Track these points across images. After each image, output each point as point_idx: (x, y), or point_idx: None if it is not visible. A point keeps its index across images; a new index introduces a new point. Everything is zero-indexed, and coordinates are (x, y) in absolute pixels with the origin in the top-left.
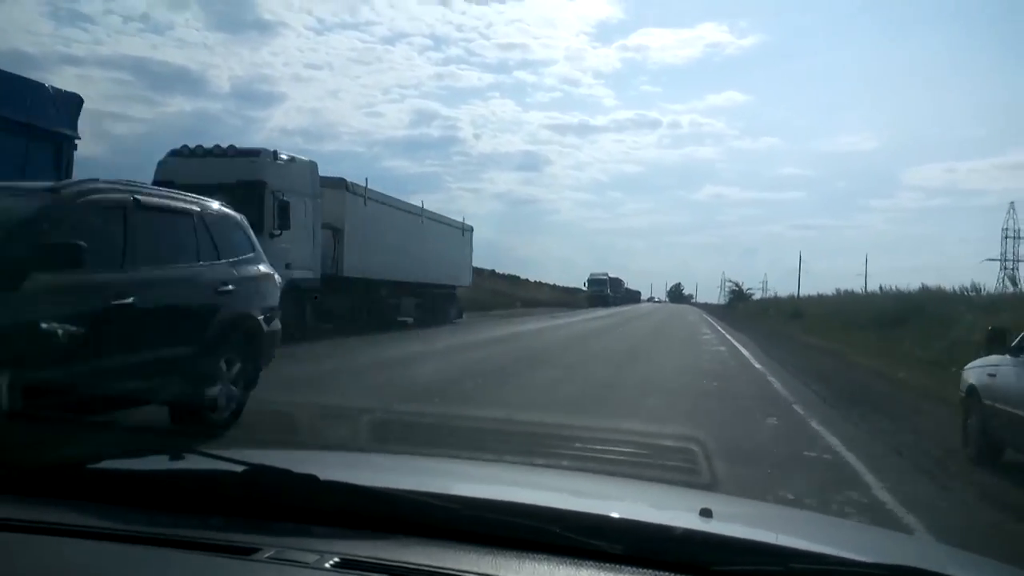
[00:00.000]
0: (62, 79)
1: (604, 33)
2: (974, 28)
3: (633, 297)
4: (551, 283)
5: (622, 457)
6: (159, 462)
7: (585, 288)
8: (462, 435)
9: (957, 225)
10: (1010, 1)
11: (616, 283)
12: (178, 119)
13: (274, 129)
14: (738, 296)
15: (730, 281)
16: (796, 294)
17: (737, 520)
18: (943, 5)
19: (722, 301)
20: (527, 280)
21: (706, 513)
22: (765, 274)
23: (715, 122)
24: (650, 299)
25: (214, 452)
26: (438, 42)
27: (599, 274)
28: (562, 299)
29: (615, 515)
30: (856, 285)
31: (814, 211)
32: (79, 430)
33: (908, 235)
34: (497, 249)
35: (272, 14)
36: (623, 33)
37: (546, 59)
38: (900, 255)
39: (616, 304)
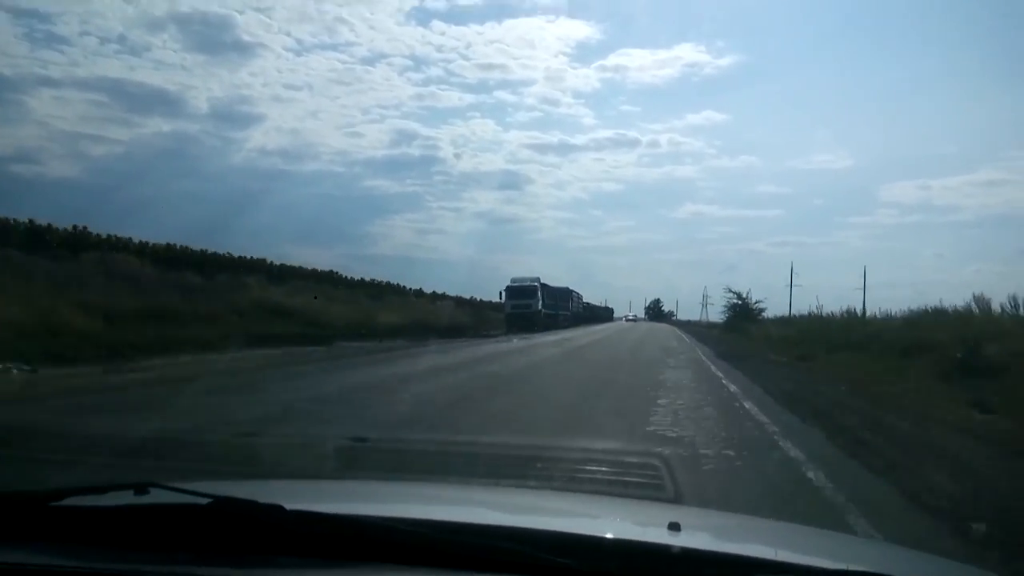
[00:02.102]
0: (39, 101)
1: (583, 54)
2: (946, 49)
3: (600, 315)
4: (468, 296)
5: None
6: (123, 497)
7: (502, 301)
8: None
9: (933, 240)
10: (980, 24)
11: (559, 294)
12: (156, 140)
13: (253, 149)
14: (742, 312)
15: (730, 292)
16: (825, 313)
17: (705, 532)
18: (915, 27)
19: (707, 318)
20: (420, 291)
21: (674, 527)
22: (749, 290)
23: (694, 141)
24: (626, 317)
25: (179, 486)
26: (418, 63)
27: (524, 279)
28: (460, 321)
29: (584, 532)
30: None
31: (793, 228)
32: (41, 468)
33: (886, 250)
34: (480, 268)
35: (251, 35)
36: (602, 54)
37: (526, 79)
38: (880, 270)
39: (559, 327)
